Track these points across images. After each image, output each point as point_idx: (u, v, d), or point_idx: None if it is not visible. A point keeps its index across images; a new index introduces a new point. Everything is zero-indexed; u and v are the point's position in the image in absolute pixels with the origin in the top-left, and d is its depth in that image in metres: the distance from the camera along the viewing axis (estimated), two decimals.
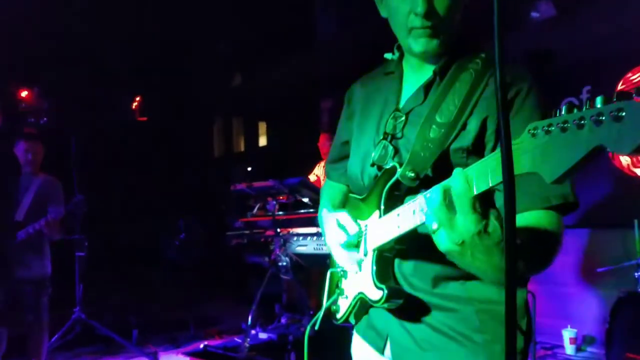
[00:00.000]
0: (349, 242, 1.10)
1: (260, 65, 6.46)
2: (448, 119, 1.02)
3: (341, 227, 1.12)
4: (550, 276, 4.17)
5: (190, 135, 8.22)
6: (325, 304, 1.22)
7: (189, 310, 5.47)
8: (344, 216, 1.13)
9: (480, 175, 0.76)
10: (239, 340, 4.09)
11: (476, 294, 1.02)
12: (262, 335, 4.14)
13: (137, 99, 6.12)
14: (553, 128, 0.66)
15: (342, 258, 1.13)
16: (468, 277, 1.01)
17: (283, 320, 4.34)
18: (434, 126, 1.03)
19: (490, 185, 0.75)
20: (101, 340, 4.33)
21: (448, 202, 0.79)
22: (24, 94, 5.79)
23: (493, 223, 0.79)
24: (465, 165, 0.82)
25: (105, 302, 5.09)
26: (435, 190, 0.82)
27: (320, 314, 1.19)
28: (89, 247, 4.53)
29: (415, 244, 1.00)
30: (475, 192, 0.77)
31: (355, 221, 1.11)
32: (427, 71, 1.12)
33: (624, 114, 0.58)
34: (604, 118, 0.60)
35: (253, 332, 4.05)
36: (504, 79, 0.60)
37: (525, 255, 0.87)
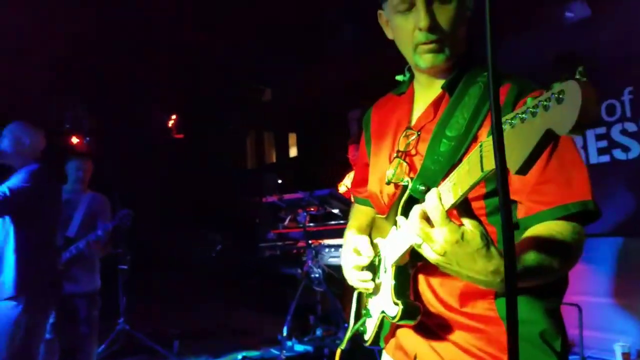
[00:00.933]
0: (358, 264, 1.14)
1: (288, 77, 6.57)
2: (458, 132, 1.03)
3: (355, 251, 1.16)
4: (598, 287, 3.95)
5: (224, 150, 8.44)
6: (352, 326, 1.23)
7: (226, 321, 5.60)
8: (361, 240, 1.16)
9: (465, 173, 0.80)
10: (276, 352, 4.15)
11: (505, 313, 1.01)
12: (298, 347, 4.19)
13: (173, 117, 6.37)
14: (515, 120, 0.67)
15: (352, 279, 1.18)
16: (497, 294, 1.00)
17: (318, 332, 4.37)
18: (444, 140, 1.04)
19: (475, 180, 0.78)
20: (143, 350, 4.48)
21: (425, 218, 0.85)
22: (67, 113, 6.13)
23: (470, 231, 0.83)
24: None
25: (147, 313, 5.28)
26: (414, 209, 0.88)
27: (348, 335, 1.21)
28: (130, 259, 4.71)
29: None
30: (446, 207, 0.82)
31: (372, 245, 1.15)
32: (437, 88, 1.13)
33: (564, 95, 0.59)
34: (550, 102, 0.61)
35: (289, 343, 4.10)
36: (498, 79, 0.61)
37: (528, 266, 0.87)
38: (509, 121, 0.68)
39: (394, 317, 1.03)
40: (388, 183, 1.15)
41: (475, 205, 0.96)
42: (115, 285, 4.55)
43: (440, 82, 1.12)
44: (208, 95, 6.86)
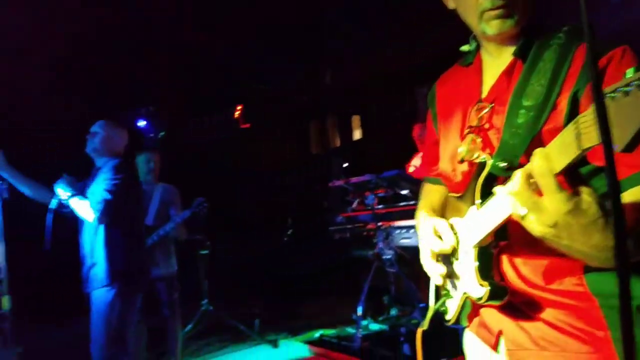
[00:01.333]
0: (441, 250, 1.10)
1: (350, 56, 6.48)
2: (536, 100, 0.96)
3: (437, 235, 1.12)
4: None
5: (289, 137, 8.58)
6: (432, 306, 1.23)
7: (302, 301, 5.77)
8: (442, 224, 1.12)
9: (559, 151, 0.74)
10: (352, 330, 4.21)
11: (597, 288, 0.95)
12: (374, 326, 4.23)
13: (239, 107, 6.56)
14: (617, 94, 0.62)
15: (428, 266, 1.15)
16: (586, 269, 0.95)
17: (393, 312, 4.37)
18: (521, 111, 0.98)
19: (571, 159, 0.72)
20: (227, 329, 4.76)
21: (531, 184, 0.77)
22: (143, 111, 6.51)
23: (586, 199, 0.74)
24: None
25: (228, 295, 5.58)
26: (517, 175, 0.79)
27: (429, 316, 1.20)
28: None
29: (519, 237, 0.96)
30: (558, 170, 0.75)
31: (452, 230, 1.10)
32: (507, 56, 1.07)
33: None
34: None
35: (364, 322, 4.14)
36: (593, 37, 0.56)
37: (633, 233, 0.80)
38: (610, 95, 0.63)
39: (480, 299, 1.01)
40: (461, 161, 1.10)
41: None
42: (196, 270, 4.84)
43: (510, 50, 1.06)
44: (270, 85, 6.94)
